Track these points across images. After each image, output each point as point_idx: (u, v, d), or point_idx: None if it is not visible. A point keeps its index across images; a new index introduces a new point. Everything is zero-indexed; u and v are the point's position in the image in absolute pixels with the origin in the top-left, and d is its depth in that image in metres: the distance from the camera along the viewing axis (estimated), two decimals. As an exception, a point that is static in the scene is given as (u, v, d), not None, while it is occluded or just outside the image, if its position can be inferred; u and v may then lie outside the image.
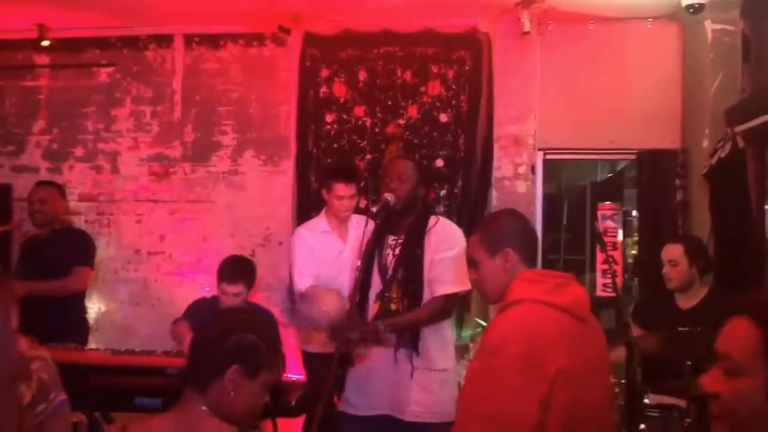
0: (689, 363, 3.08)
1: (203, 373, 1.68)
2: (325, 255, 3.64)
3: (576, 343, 1.80)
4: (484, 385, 1.74)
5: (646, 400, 3.17)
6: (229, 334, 1.70)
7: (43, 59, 5.35)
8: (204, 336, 1.73)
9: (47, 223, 4.22)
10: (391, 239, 2.91)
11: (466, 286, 2.89)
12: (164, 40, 5.23)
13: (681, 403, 3.13)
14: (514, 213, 2.18)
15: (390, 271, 2.86)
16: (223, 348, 1.68)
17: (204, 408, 1.65)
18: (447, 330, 2.94)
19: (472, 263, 2.07)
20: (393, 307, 2.84)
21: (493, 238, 2.02)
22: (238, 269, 3.68)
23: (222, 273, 3.65)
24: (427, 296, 2.83)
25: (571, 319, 1.84)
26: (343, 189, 3.62)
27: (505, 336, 1.78)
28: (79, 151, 5.29)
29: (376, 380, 2.80)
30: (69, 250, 4.14)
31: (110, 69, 5.27)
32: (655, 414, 3.11)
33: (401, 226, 2.89)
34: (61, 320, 4.00)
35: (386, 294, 2.85)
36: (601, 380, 1.91)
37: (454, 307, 3.03)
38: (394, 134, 3.98)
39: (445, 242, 2.86)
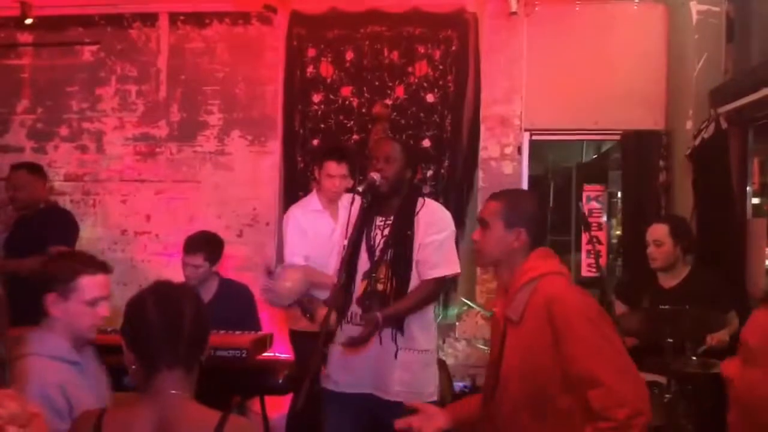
0: (670, 341, 3.15)
1: (196, 354, 1.65)
2: (318, 234, 3.66)
3: None
4: (614, 342, 1.92)
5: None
6: (203, 307, 1.69)
7: (26, 38, 5.28)
8: (181, 316, 1.63)
9: (27, 206, 4.20)
10: (379, 220, 2.90)
11: (455, 269, 2.92)
12: (149, 19, 5.17)
13: (661, 379, 3.19)
14: (540, 198, 2.32)
15: (378, 252, 2.87)
16: (207, 325, 1.68)
17: (178, 392, 1.60)
18: (430, 312, 2.97)
19: (483, 224, 2.14)
20: (380, 287, 2.83)
21: (515, 213, 2.10)
22: (197, 241, 3.77)
23: (183, 245, 3.77)
24: (414, 278, 2.85)
25: None
26: (334, 168, 3.65)
27: (586, 304, 1.96)
28: (63, 131, 5.25)
29: (359, 359, 2.81)
30: (48, 229, 4.13)
31: (94, 48, 5.21)
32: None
33: (389, 207, 2.90)
34: (42, 300, 3.99)
35: (373, 274, 2.86)
36: None
37: (442, 289, 3.04)
38: (381, 114, 3.99)
39: (434, 225, 2.86)
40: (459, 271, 2.97)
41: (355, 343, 2.72)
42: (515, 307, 2.03)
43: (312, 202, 3.80)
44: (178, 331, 1.62)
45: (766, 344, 1.26)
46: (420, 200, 2.91)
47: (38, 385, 1.96)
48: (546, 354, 1.93)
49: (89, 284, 2.13)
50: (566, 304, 1.93)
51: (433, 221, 2.87)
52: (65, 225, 4.26)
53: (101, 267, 2.18)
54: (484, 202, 2.26)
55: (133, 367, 1.63)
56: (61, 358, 2.07)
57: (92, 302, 2.12)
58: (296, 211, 3.80)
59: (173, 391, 1.59)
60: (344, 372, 2.86)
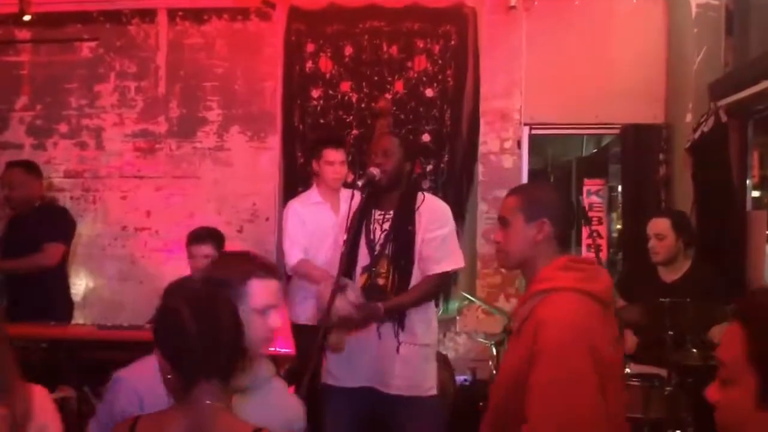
0: (671, 333, 3.15)
1: (236, 362, 1.59)
2: (317, 226, 3.67)
3: (606, 329, 1.88)
4: (568, 388, 1.75)
5: (628, 370, 3.24)
6: (237, 311, 1.62)
7: (24, 34, 5.27)
8: (219, 327, 1.57)
9: (23, 204, 4.19)
10: (377, 214, 2.92)
11: (459, 264, 2.94)
12: (147, 15, 5.16)
13: (662, 372, 3.20)
14: (560, 188, 2.21)
15: (378, 246, 2.87)
16: (243, 330, 1.61)
17: (214, 402, 1.54)
18: (431, 307, 2.97)
19: (503, 223, 2.03)
20: (381, 282, 2.84)
21: (534, 205, 1.98)
22: (203, 232, 3.82)
23: (189, 238, 3.79)
24: (416, 273, 2.85)
25: (599, 306, 1.88)
26: (333, 154, 3.67)
27: (566, 339, 1.79)
28: (63, 128, 5.24)
29: (359, 353, 2.82)
30: (42, 226, 4.13)
31: (93, 44, 5.20)
32: (636, 383, 3.17)
33: (388, 201, 2.90)
34: (42, 298, 4.00)
35: (373, 268, 2.86)
36: (621, 356, 2.00)
37: (445, 284, 3.05)
38: (384, 109, 4.00)
39: (436, 221, 2.88)
40: (462, 265, 2.99)
41: (348, 323, 2.70)
42: (518, 317, 1.95)
43: (312, 195, 3.81)
44: (217, 342, 1.55)
45: (738, 358, 1.17)
46: (420, 195, 2.92)
47: (119, 382, 1.85)
48: (522, 375, 1.81)
49: (260, 289, 1.82)
50: (548, 333, 1.79)
51: (435, 217, 2.89)
52: (61, 222, 4.26)
53: (272, 271, 1.90)
54: (502, 201, 2.13)
55: (169, 376, 1.57)
56: None
57: (262, 310, 1.82)
58: (296, 204, 3.81)
59: (208, 402, 1.54)
60: (344, 366, 2.87)
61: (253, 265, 1.87)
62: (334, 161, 3.68)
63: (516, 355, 1.90)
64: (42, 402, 1.70)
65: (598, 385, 1.76)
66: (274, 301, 1.84)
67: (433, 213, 2.89)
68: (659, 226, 3.65)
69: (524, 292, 2.03)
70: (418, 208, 2.87)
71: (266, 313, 1.82)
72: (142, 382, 1.82)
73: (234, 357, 1.59)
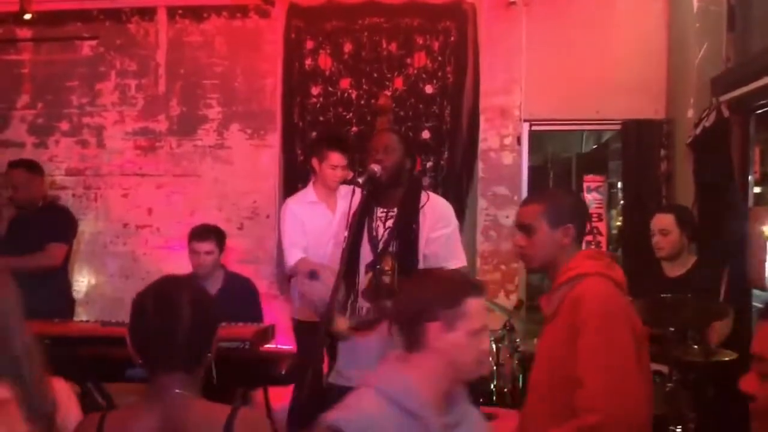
0: (672, 330, 3.15)
1: (197, 357, 1.62)
2: (315, 226, 3.66)
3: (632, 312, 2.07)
4: (608, 353, 1.92)
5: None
6: (207, 306, 1.66)
7: (25, 33, 5.28)
8: (177, 323, 1.59)
9: (26, 204, 4.20)
10: (380, 211, 2.91)
11: (463, 262, 2.95)
12: (147, 13, 5.16)
13: (663, 368, 3.20)
14: (576, 193, 2.39)
15: (381, 244, 2.87)
16: (214, 322, 1.67)
17: (183, 392, 1.57)
18: None
19: (525, 230, 2.15)
20: (387, 280, 2.84)
21: (559, 212, 2.13)
22: (205, 229, 3.93)
23: (191, 235, 3.89)
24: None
25: (620, 291, 2.09)
26: (338, 158, 3.67)
27: (607, 308, 1.98)
28: (64, 126, 5.25)
29: (369, 353, 2.81)
30: (45, 227, 4.14)
31: (93, 42, 5.21)
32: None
33: (390, 198, 2.90)
34: (43, 297, 3.99)
35: (378, 266, 2.86)
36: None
37: None
38: (384, 106, 3.98)
39: (441, 220, 2.89)
40: (465, 264, 3.00)
41: (361, 327, 2.74)
42: (551, 303, 2.10)
43: (308, 194, 3.81)
44: (173, 337, 1.58)
45: None
46: (424, 194, 2.93)
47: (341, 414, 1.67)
48: (565, 349, 1.96)
49: (476, 309, 1.72)
50: (588, 306, 1.96)
51: (440, 216, 2.90)
52: (63, 222, 4.27)
53: (482, 289, 1.80)
54: (519, 208, 2.27)
55: (140, 361, 1.63)
56: (399, 404, 1.66)
57: (477, 332, 1.72)
58: (292, 203, 3.81)
59: (177, 391, 1.56)
60: (355, 367, 2.85)
61: (466, 283, 1.80)
62: (337, 165, 3.69)
63: (555, 336, 2.04)
64: (60, 390, 1.72)
65: (635, 354, 1.95)
66: (486, 321, 1.76)
67: (437, 212, 2.90)
68: (663, 221, 3.64)
69: (551, 284, 2.17)
70: (423, 206, 2.88)
71: (479, 335, 1.73)
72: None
73: (195, 351, 1.62)
